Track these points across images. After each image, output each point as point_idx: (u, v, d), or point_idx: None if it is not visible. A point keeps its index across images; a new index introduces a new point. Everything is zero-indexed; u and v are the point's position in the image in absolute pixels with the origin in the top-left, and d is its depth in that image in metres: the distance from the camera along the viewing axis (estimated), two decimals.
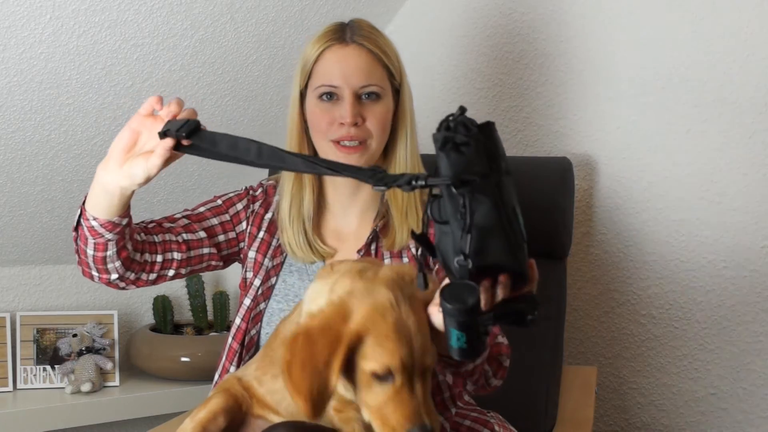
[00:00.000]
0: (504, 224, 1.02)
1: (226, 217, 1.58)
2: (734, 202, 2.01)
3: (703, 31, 2.00)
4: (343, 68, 1.48)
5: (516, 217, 1.04)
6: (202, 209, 1.59)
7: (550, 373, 1.90)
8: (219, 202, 1.60)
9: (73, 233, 1.39)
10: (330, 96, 1.49)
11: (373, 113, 1.49)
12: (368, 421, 1.13)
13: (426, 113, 2.36)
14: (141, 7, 1.92)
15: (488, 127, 1.02)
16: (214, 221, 1.57)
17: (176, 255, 1.50)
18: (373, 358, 1.09)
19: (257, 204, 1.61)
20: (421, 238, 1.06)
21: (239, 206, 1.60)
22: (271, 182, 1.64)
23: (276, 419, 1.39)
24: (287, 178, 1.55)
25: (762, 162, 1.97)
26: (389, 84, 1.52)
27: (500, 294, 1.03)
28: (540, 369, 1.88)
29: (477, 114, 2.31)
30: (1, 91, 1.93)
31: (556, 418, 1.86)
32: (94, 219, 1.32)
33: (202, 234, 1.54)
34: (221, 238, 1.58)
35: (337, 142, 1.48)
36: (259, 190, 1.63)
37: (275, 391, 1.38)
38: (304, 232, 1.53)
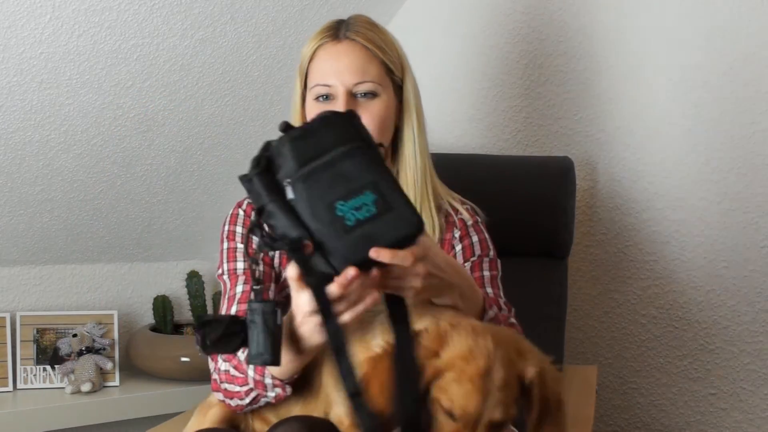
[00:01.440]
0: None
1: (260, 254, 1.50)
2: (734, 202, 2.01)
3: (703, 31, 2.00)
4: (335, 65, 1.42)
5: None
6: (240, 266, 1.48)
7: None
8: (238, 244, 1.51)
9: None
10: (326, 97, 1.44)
11: (369, 111, 1.43)
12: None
13: (426, 113, 2.35)
14: (141, 7, 1.92)
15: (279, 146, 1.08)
16: (260, 268, 1.49)
17: None
18: (446, 393, 1.09)
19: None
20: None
21: (239, 228, 1.52)
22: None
23: None
24: None
25: (762, 162, 1.97)
26: (388, 80, 1.46)
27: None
28: None
29: (477, 114, 2.31)
30: (1, 91, 1.93)
31: None
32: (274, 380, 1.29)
33: (272, 290, 1.47)
34: (273, 273, 1.50)
35: None
36: (242, 215, 1.54)
37: (279, 407, 1.38)
38: None
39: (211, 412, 1.41)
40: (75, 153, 2.14)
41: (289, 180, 1.06)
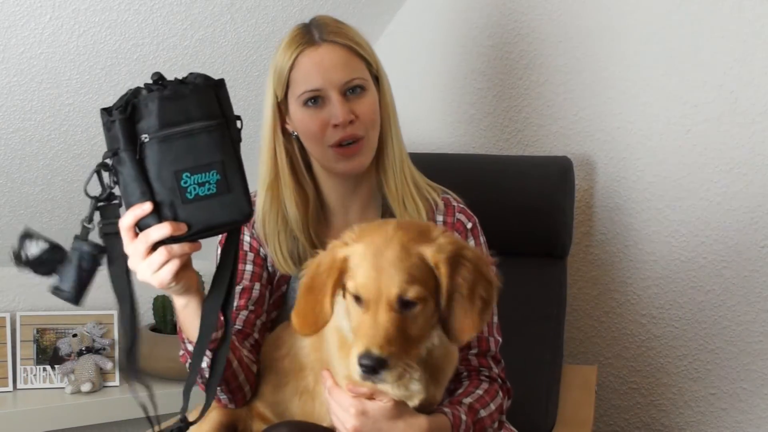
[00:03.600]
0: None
1: (250, 255, 1.53)
2: (734, 202, 2.01)
3: (703, 31, 2.00)
4: (321, 69, 1.43)
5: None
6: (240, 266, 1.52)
7: (551, 373, 1.90)
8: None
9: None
10: (315, 100, 1.44)
11: (363, 106, 1.45)
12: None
13: (426, 114, 2.36)
14: (141, 7, 1.92)
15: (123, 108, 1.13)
16: (249, 268, 1.52)
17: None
18: (351, 278, 1.15)
19: (246, 233, 1.54)
20: None
21: (246, 236, 1.54)
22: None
23: None
24: (265, 194, 1.50)
25: (762, 162, 1.97)
26: (369, 74, 1.48)
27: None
28: (540, 368, 1.88)
29: (477, 114, 2.31)
30: (1, 91, 1.93)
31: (556, 418, 1.86)
32: (189, 342, 1.32)
33: (257, 288, 1.50)
34: (264, 274, 1.53)
35: (337, 146, 1.44)
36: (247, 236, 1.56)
37: (277, 404, 1.38)
38: (307, 245, 1.48)
39: (211, 415, 1.41)
40: (75, 153, 2.14)
41: (146, 136, 1.11)
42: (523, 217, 1.96)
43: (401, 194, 1.49)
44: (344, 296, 1.18)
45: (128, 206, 1.14)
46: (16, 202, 2.18)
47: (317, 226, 1.52)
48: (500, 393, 1.44)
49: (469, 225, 1.53)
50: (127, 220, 1.13)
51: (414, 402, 1.26)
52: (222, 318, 1.25)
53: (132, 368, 1.20)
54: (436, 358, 1.26)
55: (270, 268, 1.53)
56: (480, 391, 1.41)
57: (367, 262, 1.13)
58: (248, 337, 1.45)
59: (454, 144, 2.33)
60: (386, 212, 1.53)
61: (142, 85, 1.13)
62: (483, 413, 1.37)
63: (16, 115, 1.99)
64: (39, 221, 2.26)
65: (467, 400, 1.37)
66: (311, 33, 1.47)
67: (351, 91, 1.45)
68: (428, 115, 2.35)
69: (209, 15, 2.03)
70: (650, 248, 2.11)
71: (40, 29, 1.85)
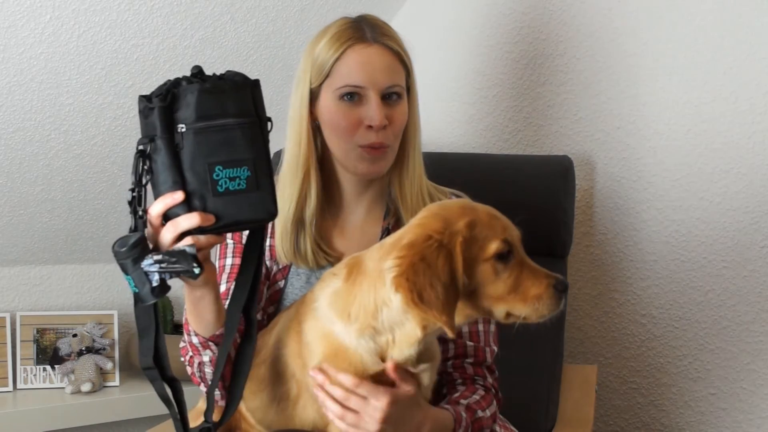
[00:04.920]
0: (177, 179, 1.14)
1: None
2: (734, 202, 2.01)
3: (703, 30, 2.00)
4: (368, 68, 1.43)
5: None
6: (228, 261, 1.52)
7: (551, 373, 1.90)
8: (228, 239, 1.53)
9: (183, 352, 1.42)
10: (351, 96, 1.43)
11: (396, 114, 1.45)
12: (501, 315, 1.19)
13: (426, 114, 2.36)
14: (141, 8, 1.92)
15: (159, 94, 1.14)
16: None
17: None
18: (490, 240, 1.16)
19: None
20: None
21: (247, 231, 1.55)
22: None
23: None
24: (289, 181, 1.50)
25: (762, 162, 1.97)
26: (405, 84, 1.49)
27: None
28: (540, 368, 1.88)
29: (477, 114, 2.31)
30: (1, 91, 1.93)
31: (556, 418, 1.86)
32: (196, 335, 1.33)
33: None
34: (263, 270, 1.49)
35: (369, 147, 1.43)
36: None
37: (255, 410, 1.38)
38: (311, 239, 1.48)
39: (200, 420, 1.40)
40: (75, 153, 2.14)
41: (183, 126, 1.12)
42: (523, 217, 1.96)
43: (415, 206, 1.48)
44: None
45: (158, 194, 1.14)
46: (16, 202, 2.18)
47: (320, 221, 1.52)
48: (494, 402, 1.45)
49: None
50: (157, 207, 1.13)
51: (426, 381, 1.28)
52: (244, 317, 1.26)
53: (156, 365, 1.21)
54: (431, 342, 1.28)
55: (267, 263, 1.53)
56: (477, 396, 1.42)
57: (499, 215, 1.20)
58: None
59: (453, 144, 2.33)
60: (389, 214, 1.53)
61: (181, 77, 1.15)
62: (480, 414, 1.38)
63: (16, 115, 1.99)
64: (39, 221, 2.27)
65: (465, 401, 1.38)
66: (363, 30, 1.46)
67: (389, 96, 1.45)
68: (428, 115, 2.34)
69: (209, 15, 2.03)
70: (650, 248, 2.11)
71: (40, 29, 1.85)
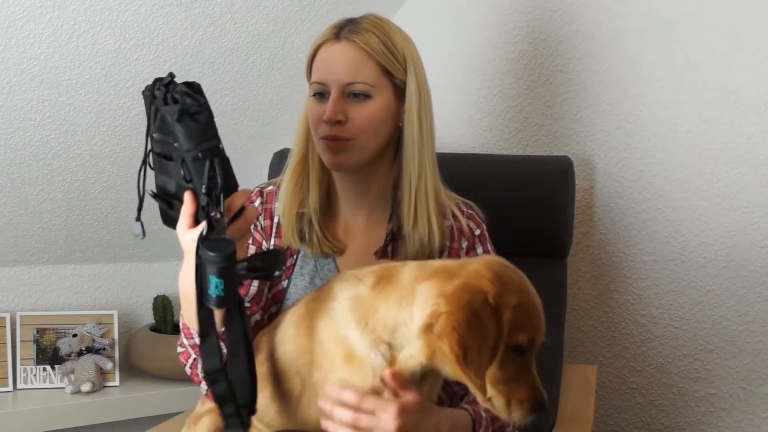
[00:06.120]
0: (234, 176, 1.15)
1: (252, 249, 1.53)
2: (734, 202, 2.01)
3: (703, 30, 2.00)
4: (329, 65, 1.44)
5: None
6: None
7: (550, 373, 1.89)
8: None
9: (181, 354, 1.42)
10: (322, 95, 1.46)
11: (358, 112, 1.43)
12: (490, 396, 1.17)
13: None
14: (141, 7, 1.92)
15: (200, 88, 1.16)
16: None
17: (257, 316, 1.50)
18: (523, 331, 1.14)
19: (261, 218, 1.56)
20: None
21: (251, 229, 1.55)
22: (271, 188, 1.59)
23: None
24: (294, 175, 1.52)
25: (762, 162, 1.97)
26: (386, 81, 1.46)
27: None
28: (540, 368, 1.87)
29: (477, 114, 2.31)
30: (1, 91, 1.93)
31: (556, 418, 1.86)
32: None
33: (255, 285, 1.50)
34: None
35: (325, 139, 1.45)
36: (258, 201, 1.57)
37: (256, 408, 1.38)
38: (314, 224, 1.50)
39: (201, 423, 1.40)
40: (75, 153, 2.14)
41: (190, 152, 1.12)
42: (523, 217, 1.96)
43: (413, 213, 1.48)
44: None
45: (229, 192, 1.14)
46: (16, 202, 2.18)
47: (324, 217, 1.53)
48: None
49: (477, 232, 1.53)
50: (238, 201, 1.15)
51: (427, 388, 1.27)
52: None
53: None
54: None
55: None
56: None
57: (540, 312, 1.17)
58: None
59: (453, 144, 2.33)
60: (392, 217, 1.53)
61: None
62: None
63: (16, 115, 1.99)
64: (39, 221, 2.26)
65: None
66: (340, 29, 1.47)
67: (354, 95, 1.44)
68: None
69: (209, 15, 2.03)
70: (650, 248, 2.11)
71: (40, 29, 1.85)
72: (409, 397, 1.22)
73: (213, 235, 1.09)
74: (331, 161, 1.46)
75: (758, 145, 1.97)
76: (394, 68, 1.47)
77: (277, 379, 1.32)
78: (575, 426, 1.84)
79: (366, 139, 1.46)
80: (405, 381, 1.21)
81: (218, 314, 1.20)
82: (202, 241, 1.09)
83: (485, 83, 2.29)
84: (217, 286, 1.08)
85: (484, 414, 1.33)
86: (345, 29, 1.46)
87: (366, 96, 1.44)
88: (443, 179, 1.54)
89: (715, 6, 1.99)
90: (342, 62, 1.44)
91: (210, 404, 1.40)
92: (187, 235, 1.14)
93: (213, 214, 1.10)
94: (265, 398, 1.34)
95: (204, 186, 1.10)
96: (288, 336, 1.33)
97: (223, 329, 1.20)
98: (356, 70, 1.43)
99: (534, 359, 1.17)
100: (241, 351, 1.17)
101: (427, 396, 1.28)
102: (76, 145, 2.12)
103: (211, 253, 1.07)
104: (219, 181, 1.10)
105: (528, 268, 1.95)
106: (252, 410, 1.17)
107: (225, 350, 1.22)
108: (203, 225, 1.10)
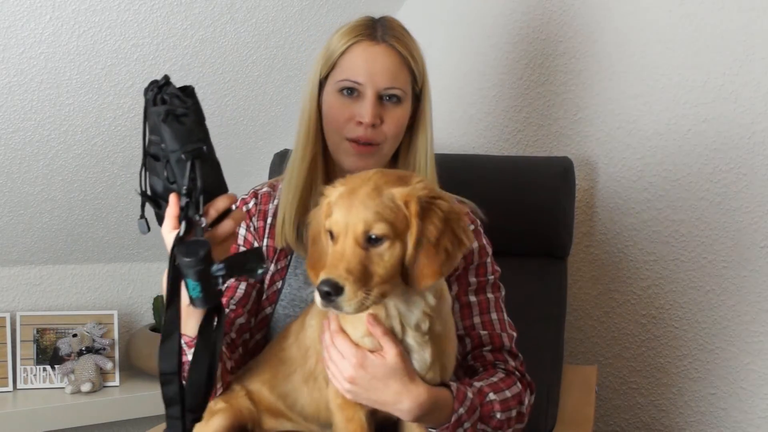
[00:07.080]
0: (222, 180, 1.15)
1: (242, 250, 1.52)
2: (734, 202, 2.01)
3: (703, 30, 2.00)
4: (370, 66, 1.44)
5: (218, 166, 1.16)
6: None
7: (551, 373, 1.90)
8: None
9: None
10: (351, 91, 1.45)
11: (392, 116, 1.46)
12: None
13: None
14: (141, 7, 1.92)
15: (192, 91, 1.15)
16: None
17: (241, 320, 1.49)
18: (328, 217, 1.19)
19: (255, 219, 1.56)
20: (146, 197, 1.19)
21: (242, 230, 1.55)
22: (265, 189, 1.59)
23: (289, 426, 1.39)
24: (296, 170, 1.51)
25: (762, 162, 1.97)
26: (410, 89, 1.49)
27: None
28: (540, 368, 1.88)
29: (477, 114, 2.31)
30: (1, 91, 1.93)
31: (556, 418, 1.86)
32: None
33: (242, 288, 1.50)
34: None
35: (354, 141, 1.45)
36: (252, 202, 1.57)
37: (287, 394, 1.38)
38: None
39: (213, 421, 1.40)
40: (75, 153, 2.14)
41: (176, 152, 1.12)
42: (523, 217, 1.96)
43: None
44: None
45: (214, 194, 1.14)
46: (16, 202, 2.18)
47: None
48: (518, 384, 1.42)
49: (471, 227, 1.53)
50: (220, 204, 1.15)
51: (415, 353, 1.26)
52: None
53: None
54: (438, 336, 1.26)
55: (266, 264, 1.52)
56: (495, 378, 1.39)
57: (342, 201, 1.17)
58: (225, 335, 1.44)
59: (453, 144, 2.33)
60: None
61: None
62: (493, 396, 1.35)
63: (16, 115, 1.99)
64: (39, 221, 2.26)
65: (479, 384, 1.35)
66: (375, 28, 1.47)
67: (388, 98, 1.45)
68: None
69: (209, 15, 2.03)
70: (650, 248, 2.11)
71: (40, 29, 1.85)
72: (376, 358, 1.21)
73: (189, 237, 1.10)
74: (356, 165, 1.46)
75: (758, 145, 1.97)
76: (419, 76, 1.50)
77: (304, 359, 1.35)
78: (575, 426, 1.84)
79: (391, 145, 1.49)
80: (389, 337, 1.22)
81: (196, 317, 1.21)
82: (178, 243, 1.09)
83: (485, 83, 2.29)
84: (194, 288, 1.10)
85: (470, 395, 1.30)
86: (379, 30, 1.47)
87: (398, 100, 1.46)
88: (439, 181, 1.55)
89: (715, 6, 1.98)
90: (383, 65, 1.44)
91: (222, 403, 1.40)
92: (170, 235, 1.14)
93: (194, 216, 1.10)
94: (296, 381, 1.35)
95: (184, 187, 1.10)
96: (314, 310, 1.35)
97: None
98: (395, 75, 1.45)
99: (351, 244, 1.16)
100: (204, 358, 1.16)
101: (431, 379, 1.26)
102: (76, 145, 2.12)
103: (186, 258, 1.08)
104: (199, 183, 1.09)
105: (528, 268, 1.97)
106: (198, 417, 1.17)
107: (188, 354, 1.22)
108: (182, 227, 1.10)
